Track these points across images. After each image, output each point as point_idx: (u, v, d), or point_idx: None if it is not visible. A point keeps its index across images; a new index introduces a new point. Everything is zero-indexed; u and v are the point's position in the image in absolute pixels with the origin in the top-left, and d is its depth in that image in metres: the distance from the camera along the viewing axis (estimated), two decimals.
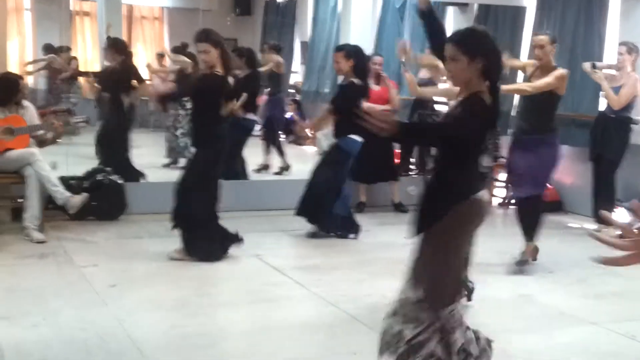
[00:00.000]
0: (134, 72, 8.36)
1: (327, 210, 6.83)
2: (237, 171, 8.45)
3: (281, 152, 9.77)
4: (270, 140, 9.80)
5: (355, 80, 6.72)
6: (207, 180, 5.93)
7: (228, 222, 6.49)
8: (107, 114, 8.33)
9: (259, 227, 7.28)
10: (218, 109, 5.86)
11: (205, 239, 5.96)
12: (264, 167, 9.76)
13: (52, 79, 11.21)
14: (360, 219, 7.26)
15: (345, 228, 6.99)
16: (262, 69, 9.39)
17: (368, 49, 10.56)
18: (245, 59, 8.66)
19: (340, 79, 7.17)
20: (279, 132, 10.24)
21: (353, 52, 6.77)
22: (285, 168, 9.64)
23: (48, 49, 11.37)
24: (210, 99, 5.83)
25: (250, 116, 8.56)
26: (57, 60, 11.02)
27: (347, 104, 6.54)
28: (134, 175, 8.18)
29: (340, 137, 6.81)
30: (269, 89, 9.88)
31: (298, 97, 12.71)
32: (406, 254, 5.38)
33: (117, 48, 8.14)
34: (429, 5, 3.89)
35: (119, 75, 8.04)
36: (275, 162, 9.76)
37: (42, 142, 6.79)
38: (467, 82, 3.36)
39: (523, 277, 5.84)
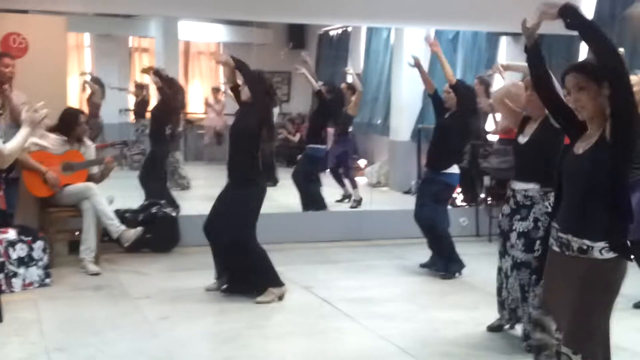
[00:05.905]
0: None
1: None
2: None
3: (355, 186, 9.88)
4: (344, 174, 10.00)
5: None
6: None
7: (279, 254, 6.52)
8: None
9: (310, 259, 7.31)
10: None
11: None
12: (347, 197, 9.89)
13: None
14: (419, 250, 7.19)
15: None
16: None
17: (420, 80, 10.64)
18: (334, 95, 9.24)
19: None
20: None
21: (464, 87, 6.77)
22: (359, 201, 9.66)
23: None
24: None
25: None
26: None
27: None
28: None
29: (442, 171, 6.68)
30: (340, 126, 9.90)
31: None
32: (458, 287, 5.31)
33: None
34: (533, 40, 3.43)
35: None
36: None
37: (92, 179, 6.85)
38: (598, 111, 3.12)
39: None
